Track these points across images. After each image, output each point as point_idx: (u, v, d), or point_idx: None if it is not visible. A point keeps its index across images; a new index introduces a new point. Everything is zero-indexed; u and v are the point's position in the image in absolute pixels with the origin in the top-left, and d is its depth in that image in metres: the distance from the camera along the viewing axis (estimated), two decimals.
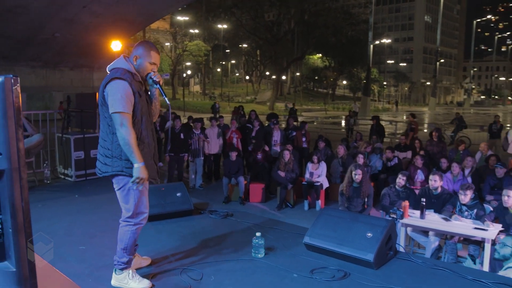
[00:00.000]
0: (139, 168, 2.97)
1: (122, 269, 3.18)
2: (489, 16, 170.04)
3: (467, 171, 7.55)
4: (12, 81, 1.26)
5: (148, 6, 14.39)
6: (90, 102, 7.53)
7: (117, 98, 2.91)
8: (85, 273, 3.45)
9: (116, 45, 7.70)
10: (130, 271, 3.20)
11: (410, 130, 12.82)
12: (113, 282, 3.21)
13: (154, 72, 3.15)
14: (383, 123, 13.98)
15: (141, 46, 3.13)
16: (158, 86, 3.18)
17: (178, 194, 5.12)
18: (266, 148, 9.61)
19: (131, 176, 3.02)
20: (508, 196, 4.93)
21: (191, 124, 10.40)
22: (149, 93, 3.27)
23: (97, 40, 15.19)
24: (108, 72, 3.09)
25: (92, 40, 15.43)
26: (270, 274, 3.48)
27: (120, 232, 3.18)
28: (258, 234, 3.85)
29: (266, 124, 11.25)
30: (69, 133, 7.44)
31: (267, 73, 69.64)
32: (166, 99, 3.24)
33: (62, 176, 7.49)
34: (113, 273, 3.21)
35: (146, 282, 3.20)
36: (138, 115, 3.04)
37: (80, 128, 7.53)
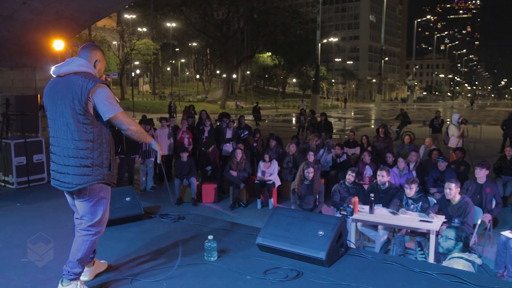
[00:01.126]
0: (154, 144, 3.17)
1: (71, 280, 3.03)
2: (428, 16, 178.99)
3: (412, 165, 7.85)
4: None
5: (92, 4, 13.82)
6: (32, 104, 7.15)
7: (111, 102, 2.95)
8: None
9: (58, 44, 7.32)
10: (78, 283, 3.06)
11: (311, 125, 14.33)
12: None
13: (103, 75, 3.22)
14: (332, 120, 14.52)
15: (98, 49, 3.15)
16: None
17: (128, 199, 4.97)
18: (209, 149, 9.15)
19: (108, 183, 3.07)
20: (450, 188, 5.18)
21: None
22: None
23: (40, 38, 14.41)
24: (60, 75, 2.98)
25: (33, 39, 14.62)
26: (223, 277, 3.45)
27: (78, 242, 3.06)
28: (210, 237, 3.80)
29: (218, 124, 11.12)
30: (8, 138, 7.02)
31: (218, 71, 69.34)
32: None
33: (2, 184, 7.07)
34: (60, 284, 3.05)
35: None
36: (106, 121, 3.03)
37: (21, 132, 7.12)
